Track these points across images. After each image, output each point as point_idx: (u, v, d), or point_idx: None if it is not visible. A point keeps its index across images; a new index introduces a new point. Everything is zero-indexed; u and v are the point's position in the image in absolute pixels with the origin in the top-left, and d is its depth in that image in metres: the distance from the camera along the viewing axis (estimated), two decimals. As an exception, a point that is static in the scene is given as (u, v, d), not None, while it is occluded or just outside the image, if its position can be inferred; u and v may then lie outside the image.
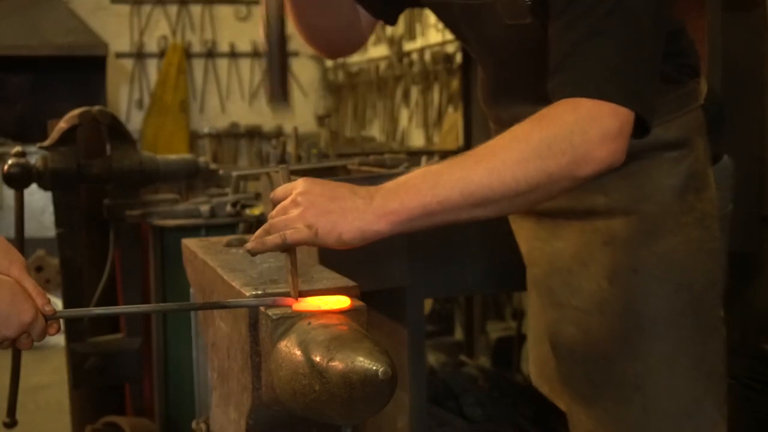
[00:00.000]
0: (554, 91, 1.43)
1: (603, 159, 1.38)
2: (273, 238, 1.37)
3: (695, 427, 1.65)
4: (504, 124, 1.53)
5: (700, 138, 1.68)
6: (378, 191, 1.39)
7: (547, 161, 1.36)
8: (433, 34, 7.02)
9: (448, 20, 1.78)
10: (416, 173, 1.42)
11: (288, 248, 1.38)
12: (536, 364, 1.95)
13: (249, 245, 1.41)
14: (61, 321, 1.36)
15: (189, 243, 1.85)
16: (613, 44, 1.41)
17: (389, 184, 1.41)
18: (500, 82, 1.76)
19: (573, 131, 1.37)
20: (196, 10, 9.30)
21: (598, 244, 1.67)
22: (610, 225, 1.66)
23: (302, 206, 1.37)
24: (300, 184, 1.40)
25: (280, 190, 1.43)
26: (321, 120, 9.10)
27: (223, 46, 9.35)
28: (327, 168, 2.87)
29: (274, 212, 1.41)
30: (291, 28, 1.82)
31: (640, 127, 1.44)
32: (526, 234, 1.83)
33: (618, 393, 1.66)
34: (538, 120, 1.40)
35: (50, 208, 3.05)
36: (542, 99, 1.45)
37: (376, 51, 8.00)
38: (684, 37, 1.68)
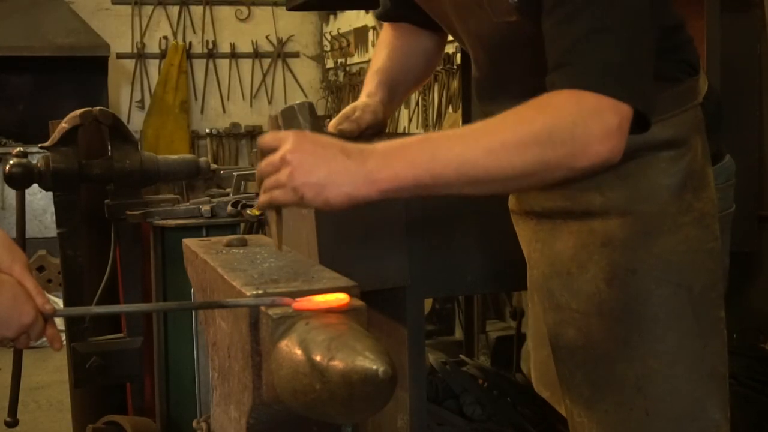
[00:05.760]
0: (554, 83, 1.42)
1: (601, 154, 1.39)
2: (262, 199, 1.39)
3: (698, 429, 1.62)
4: None
5: (699, 136, 1.65)
6: (371, 154, 1.38)
7: (546, 149, 1.37)
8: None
9: (439, 16, 1.78)
10: (414, 140, 1.41)
11: (276, 207, 1.38)
12: (537, 369, 1.92)
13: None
14: (61, 324, 1.37)
15: (190, 243, 1.85)
16: (614, 39, 1.41)
17: (384, 147, 1.40)
18: (494, 79, 1.75)
19: (576, 122, 1.37)
20: (197, 10, 9.30)
21: (596, 246, 1.65)
22: (608, 226, 1.64)
23: (291, 165, 1.36)
24: (290, 138, 1.38)
25: (267, 138, 1.41)
26: (321, 120, 9.08)
27: (224, 47, 9.36)
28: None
29: (262, 164, 1.40)
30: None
31: (640, 123, 1.43)
32: (527, 236, 1.81)
33: (619, 396, 1.64)
34: (543, 106, 1.39)
35: (51, 208, 3.07)
36: (537, 95, 1.44)
37: (377, 51, 7.97)
38: (683, 33, 1.66)
